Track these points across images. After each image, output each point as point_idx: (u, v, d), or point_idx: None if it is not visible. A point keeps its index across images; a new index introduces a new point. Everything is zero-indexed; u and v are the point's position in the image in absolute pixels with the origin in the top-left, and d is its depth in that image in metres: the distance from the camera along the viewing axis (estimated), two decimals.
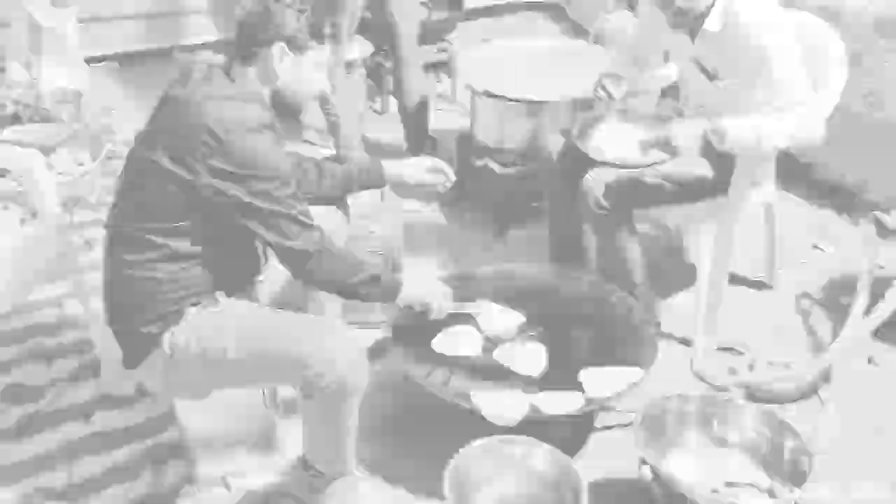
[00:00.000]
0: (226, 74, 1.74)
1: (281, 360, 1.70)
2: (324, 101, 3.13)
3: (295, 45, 1.75)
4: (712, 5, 2.13)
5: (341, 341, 1.73)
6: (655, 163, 2.29)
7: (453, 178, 2.19)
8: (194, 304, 1.76)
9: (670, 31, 2.26)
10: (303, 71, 1.78)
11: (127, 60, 4.36)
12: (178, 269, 1.73)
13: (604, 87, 2.38)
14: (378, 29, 3.29)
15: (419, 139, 3.43)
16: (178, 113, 1.69)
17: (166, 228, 1.71)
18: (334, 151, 3.33)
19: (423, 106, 3.36)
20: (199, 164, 1.64)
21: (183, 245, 1.72)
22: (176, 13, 4.39)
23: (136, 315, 1.75)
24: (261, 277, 1.97)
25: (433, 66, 3.80)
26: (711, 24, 2.14)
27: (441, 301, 2.00)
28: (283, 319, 1.81)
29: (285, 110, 1.81)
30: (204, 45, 4.38)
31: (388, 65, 3.67)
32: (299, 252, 1.74)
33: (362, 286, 1.83)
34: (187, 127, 1.66)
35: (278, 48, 1.74)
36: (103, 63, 4.26)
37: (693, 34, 2.21)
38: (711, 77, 2.26)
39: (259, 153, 1.67)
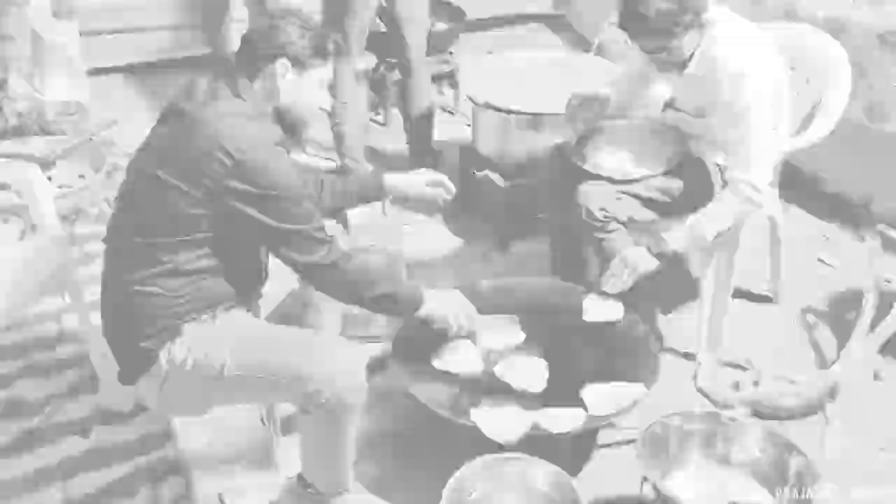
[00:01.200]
0: (231, 90, 1.73)
1: (278, 377, 1.69)
2: (332, 112, 3.13)
3: (297, 62, 1.74)
4: (696, 47, 2.13)
5: (340, 357, 1.71)
6: (650, 176, 2.29)
7: (454, 190, 2.18)
8: (192, 320, 1.74)
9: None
10: (304, 88, 1.77)
11: (131, 72, 4.37)
12: (177, 285, 1.71)
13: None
14: (385, 40, 3.29)
15: (422, 150, 3.42)
16: (186, 130, 1.68)
17: (166, 244, 1.69)
18: (337, 163, 3.33)
19: (427, 117, 3.36)
20: (213, 184, 1.63)
21: (182, 261, 1.70)
22: (170, 27, 4.39)
23: (132, 330, 1.73)
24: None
25: (436, 78, 3.80)
26: (692, 67, 2.15)
27: (463, 320, 1.96)
28: (281, 335, 1.79)
29: (287, 126, 1.80)
30: (191, 60, 4.39)
31: (392, 76, 3.67)
32: (318, 266, 1.74)
33: (382, 300, 1.82)
34: (199, 146, 1.64)
35: (281, 64, 1.73)
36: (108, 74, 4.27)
37: (681, 71, 2.20)
38: (697, 116, 2.27)
39: (275, 172, 1.66)
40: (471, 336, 2.05)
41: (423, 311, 1.89)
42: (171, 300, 1.71)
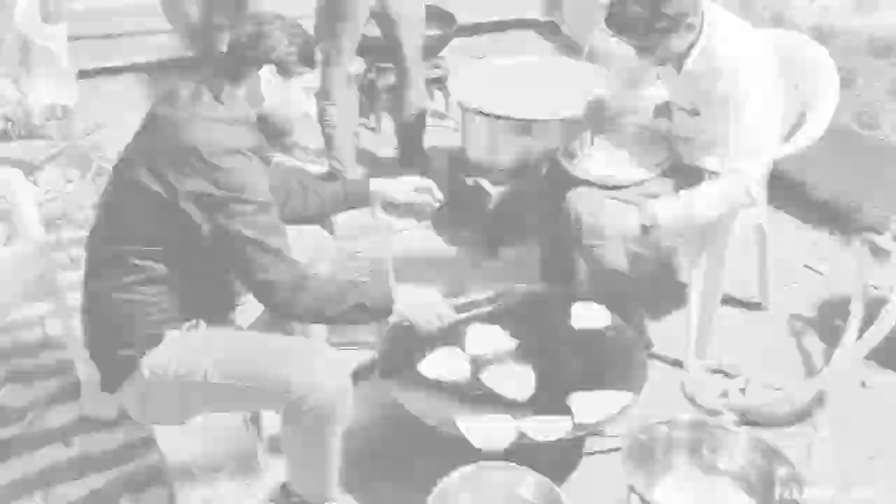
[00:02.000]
0: (214, 95, 1.71)
1: (262, 385, 1.67)
2: (321, 113, 3.12)
3: (282, 69, 1.72)
4: (693, 44, 2.13)
5: (325, 364, 1.69)
6: (639, 182, 2.28)
7: (441, 197, 2.16)
8: (173, 328, 1.72)
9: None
10: (289, 95, 1.75)
11: (120, 75, 4.35)
12: (158, 293, 1.69)
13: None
14: (377, 44, 3.27)
15: (412, 155, 3.41)
16: (163, 133, 1.66)
17: (146, 251, 1.67)
18: (327, 168, 3.31)
19: (419, 122, 3.34)
20: (178, 184, 1.61)
21: (162, 268, 1.68)
22: (159, 31, 4.37)
23: (114, 338, 1.71)
24: (243, 300, 1.93)
25: (427, 83, 3.78)
26: (691, 62, 2.16)
27: (436, 318, 1.88)
28: (265, 342, 1.77)
29: (271, 133, 1.79)
30: (172, 62, 4.36)
31: (382, 81, 3.65)
32: (268, 283, 1.66)
33: (347, 314, 1.75)
34: (171, 145, 1.63)
35: (266, 71, 1.71)
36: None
37: (679, 65, 2.21)
38: (692, 114, 2.27)
39: (240, 176, 1.63)
40: (457, 339, 2.03)
41: (394, 313, 1.81)
42: (151, 308, 1.69)
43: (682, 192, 2.17)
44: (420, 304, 1.87)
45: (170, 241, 1.67)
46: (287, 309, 1.71)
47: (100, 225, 1.78)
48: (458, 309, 1.97)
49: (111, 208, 1.75)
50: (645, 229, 2.15)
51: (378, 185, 2.11)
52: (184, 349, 1.71)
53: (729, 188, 2.11)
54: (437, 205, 2.17)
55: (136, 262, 1.67)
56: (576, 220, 2.23)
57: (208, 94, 1.70)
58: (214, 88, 1.71)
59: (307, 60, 1.75)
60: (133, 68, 4.37)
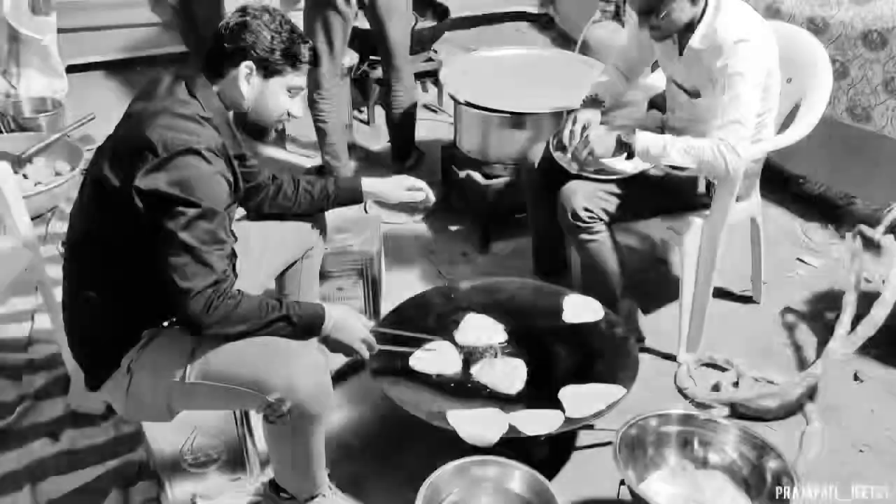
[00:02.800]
0: (189, 90, 1.65)
1: (241, 385, 1.62)
2: (313, 107, 3.10)
3: (263, 67, 1.67)
4: (698, 21, 2.12)
5: (304, 365, 1.63)
6: (633, 174, 2.27)
7: (433, 198, 2.15)
8: (152, 326, 1.70)
9: (657, 43, 2.26)
10: (268, 95, 1.70)
11: (110, 68, 4.33)
12: (131, 291, 1.65)
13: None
14: (368, 37, 3.25)
15: (405, 148, 3.39)
16: (130, 126, 1.62)
17: (112, 247, 1.62)
18: (320, 161, 3.29)
19: (410, 115, 3.33)
20: (131, 179, 1.54)
21: (137, 267, 1.63)
22: (150, 24, 4.34)
23: (93, 337, 1.68)
24: None
25: (420, 76, 3.77)
26: (696, 40, 2.14)
27: (360, 345, 1.77)
28: (245, 342, 1.65)
29: (250, 130, 1.74)
30: (172, 57, 4.33)
31: (375, 74, 3.64)
32: (186, 292, 1.54)
33: (264, 329, 1.63)
34: (132, 138, 1.58)
35: (245, 67, 1.66)
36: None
37: (681, 46, 2.20)
38: (692, 95, 2.26)
39: (190, 177, 1.55)
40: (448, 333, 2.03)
41: (322, 334, 1.72)
42: (129, 306, 1.66)
43: (665, 135, 2.18)
44: (346, 329, 1.74)
45: (128, 237, 1.60)
46: (196, 323, 1.58)
47: (75, 222, 1.73)
48: (378, 336, 1.85)
49: (84, 205, 1.69)
50: (620, 145, 2.15)
51: (369, 185, 2.08)
52: (162, 348, 1.68)
53: (708, 149, 2.10)
54: (429, 204, 2.15)
55: (111, 258, 1.63)
56: (571, 213, 2.22)
57: (183, 89, 1.65)
58: (190, 83, 1.66)
59: (292, 60, 1.69)
60: (124, 63, 4.34)
